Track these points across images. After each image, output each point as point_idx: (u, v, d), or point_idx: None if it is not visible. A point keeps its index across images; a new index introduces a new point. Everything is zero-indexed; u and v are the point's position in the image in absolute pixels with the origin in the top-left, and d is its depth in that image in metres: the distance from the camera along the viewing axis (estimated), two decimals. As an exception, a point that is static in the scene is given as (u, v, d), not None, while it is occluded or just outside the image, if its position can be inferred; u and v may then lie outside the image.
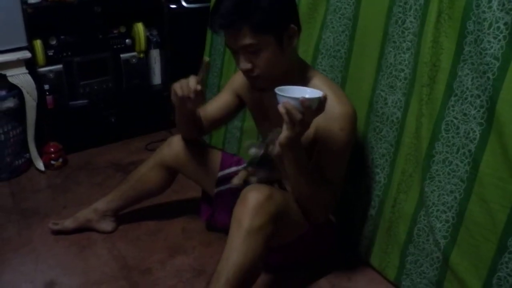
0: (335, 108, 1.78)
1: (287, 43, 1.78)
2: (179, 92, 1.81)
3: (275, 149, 1.73)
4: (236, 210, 1.72)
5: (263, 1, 1.69)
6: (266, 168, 1.96)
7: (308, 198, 1.84)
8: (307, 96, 1.57)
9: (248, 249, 1.66)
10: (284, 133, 1.60)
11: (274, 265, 2.05)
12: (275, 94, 1.57)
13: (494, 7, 1.52)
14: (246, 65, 1.75)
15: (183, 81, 1.81)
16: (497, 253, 1.62)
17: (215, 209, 2.24)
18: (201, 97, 1.83)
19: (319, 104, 1.57)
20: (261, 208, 1.68)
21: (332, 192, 1.87)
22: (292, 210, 1.85)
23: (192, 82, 1.79)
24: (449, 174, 1.74)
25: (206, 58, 1.82)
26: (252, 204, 1.68)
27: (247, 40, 1.70)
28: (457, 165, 1.72)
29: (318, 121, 1.70)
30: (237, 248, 1.66)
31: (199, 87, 1.79)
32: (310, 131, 1.71)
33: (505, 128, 1.53)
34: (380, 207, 2.06)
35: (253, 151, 1.94)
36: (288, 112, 1.52)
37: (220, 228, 2.29)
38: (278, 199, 1.75)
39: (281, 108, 1.53)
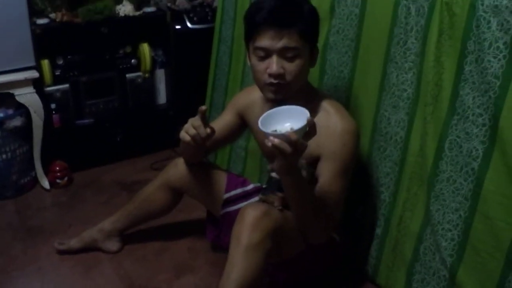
0: (337, 124, 1.82)
1: (312, 61, 1.85)
2: (193, 143, 1.82)
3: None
4: (235, 227, 1.74)
5: (306, 10, 1.77)
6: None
7: (308, 221, 1.83)
8: (288, 124, 1.56)
9: (248, 265, 1.67)
10: (278, 162, 1.60)
11: (279, 283, 2.05)
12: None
13: (493, 27, 1.54)
14: (280, 69, 1.75)
15: (190, 130, 1.82)
16: (504, 270, 1.63)
17: (221, 230, 2.23)
18: (214, 134, 1.86)
19: (310, 128, 1.55)
20: (258, 224, 1.70)
21: (333, 214, 1.87)
22: (291, 226, 1.85)
23: (202, 131, 1.80)
24: (453, 192, 1.75)
25: (202, 107, 1.81)
26: (249, 221, 1.70)
27: (292, 42, 1.73)
28: (461, 183, 1.72)
29: (321, 138, 1.73)
30: (237, 264, 1.68)
31: (209, 131, 1.81)
32: (314, 148, 1.73)
33: (508, 146, 1.55)
34: (385, 225, 2.06)
35: (274, 174, 1.98)
36: (276, 147, 1.50)
37: (226, 248, 2.28)
38: (275, 215, 1.76)
39: (268, 144, 1.51)
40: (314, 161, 1.84)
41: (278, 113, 1.62)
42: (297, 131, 1.51)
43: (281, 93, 1.80)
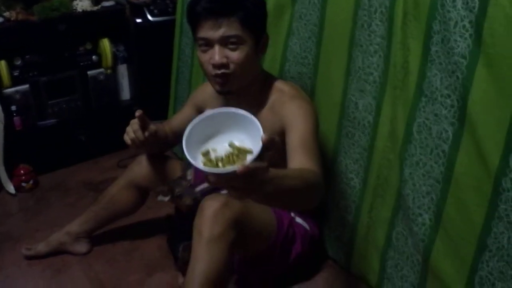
0: (292, 96, 1.87)
1: (260, 49, 1.83)
2: (134, 146, 1.87)
3: (187, 201, 1.87)
4: (196, 221, 1.72)
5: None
6: None
7: (305, 202, 1.59)
8: (227, 142, 1.20)
9: (211, 257, 1.65)
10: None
11: (250, 279, 2.06)
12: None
13: (459, 6, 1.52)
14: (222, 58, 1.73)
15: (129, 134, 1.85)
16: (477, 252, 1.61)
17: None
18: (155, 137, 1.89)
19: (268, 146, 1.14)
20: (218, 215, 1.67)
21: (320, 177, 1.64)
22: (255, 215, 1.82)
23: (139, 135, 1.83)
24: (423, 176, 1.73)
25: (137, 112, 1.82)
26: (209, 213, 1.68)
27: (233, 31, 1.71)
28: (431, 166, 1.71)
29: (281, 112, 1.81)
30: (200, 257, 1.66)
31: (147, 134, 1.84)
32: (276, 123, 1.80)
33: (477, 126, 1.53)
34: (356, 212, 2.04)
35: (160, 198, 2.01)
36: (224, 186, 1.20)
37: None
38: (235, 205, 1.72)
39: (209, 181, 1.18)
40: (280, 136, 1.77)
41: (212, 120, 1.24)
42: (249, 166, 1.09)
43: (228, 85, 1.79)
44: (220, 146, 1.21)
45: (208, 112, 1.26)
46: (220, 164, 1.16)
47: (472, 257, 1.63)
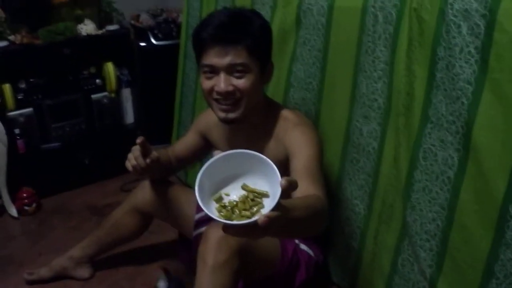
0: (295, 123, 1.84)
1: (265, 77, 1.82)
2: (135, 173, 1.85)
3: None
4: (200, 248, 1.70)
5: (256, 26, 1.74)
6: None
7: (314, 228, 1.57)
8: (240, 183, 1.14)
9: (216, 285, 1.64)
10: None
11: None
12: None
13: (464, 32, 1.51)
14: (228, 86, 1.71)
15: (131, 161, 1.82)
16: (484, 279, 1.60)
17: (195, 253, 2.18)
18: (158, 163, 1.85)
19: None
20: (222, 243, 1.66)
21: (326, 202, 1.63)
22: (259, 243, 1.78)
23: (140, 162, 1.80)
24: (429, 202, 1.72)
25: (138, 139, 1.79)
26: (213, 241, 1.66)
27: (240, 59, 1.69)
28: (437, 192, 1.69)
29: (284, 141, 1.81)
30: (205, 285, 1.65)
31: (148, 161, 1.80)
32: (280, 152, 1.79)
33: (483, 152, 1.52)
34: (361, 238, 2.03)
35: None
36: (235, 235, 1.12)
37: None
38: None
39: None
40: (284, 164, 1.79)
41: (222, 163, 1.16)
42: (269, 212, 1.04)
43: (233, 112, 1.77)
44: (232, 190, 1.15)
45: (216, 156, 1.17)
46: (236, 211, 1.10)
47: (479, 284, 1.61)
